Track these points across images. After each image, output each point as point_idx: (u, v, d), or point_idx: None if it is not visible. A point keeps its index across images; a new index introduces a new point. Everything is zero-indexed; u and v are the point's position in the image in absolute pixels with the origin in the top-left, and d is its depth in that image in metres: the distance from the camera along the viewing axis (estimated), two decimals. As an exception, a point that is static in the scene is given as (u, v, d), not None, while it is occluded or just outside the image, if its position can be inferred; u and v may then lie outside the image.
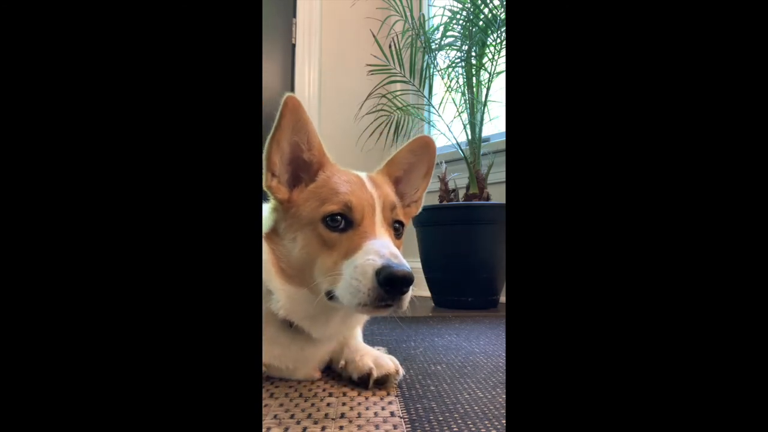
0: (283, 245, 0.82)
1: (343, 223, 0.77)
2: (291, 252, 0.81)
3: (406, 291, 0.70)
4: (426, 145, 0.96)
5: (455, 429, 0.69)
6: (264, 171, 0.82)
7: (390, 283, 0.67)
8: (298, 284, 0.81)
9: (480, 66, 2.28)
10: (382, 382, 0.88)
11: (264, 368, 0.90)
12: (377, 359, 0.90)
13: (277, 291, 0.81)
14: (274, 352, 0.88)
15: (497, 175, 2.42)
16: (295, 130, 0.82)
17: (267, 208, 0.88)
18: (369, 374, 0.87)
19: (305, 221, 0.80)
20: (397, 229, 0.85)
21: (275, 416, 0.73)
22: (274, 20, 3.02)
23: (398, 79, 2.44)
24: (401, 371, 0.90)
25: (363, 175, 0.88)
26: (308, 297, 0.81)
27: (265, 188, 0.82)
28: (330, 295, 0.76)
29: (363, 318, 0.96)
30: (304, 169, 0.85)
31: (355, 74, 2.92)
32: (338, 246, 0.76)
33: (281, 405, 0.78)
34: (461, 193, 2.31)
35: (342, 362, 0.93)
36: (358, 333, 1.02)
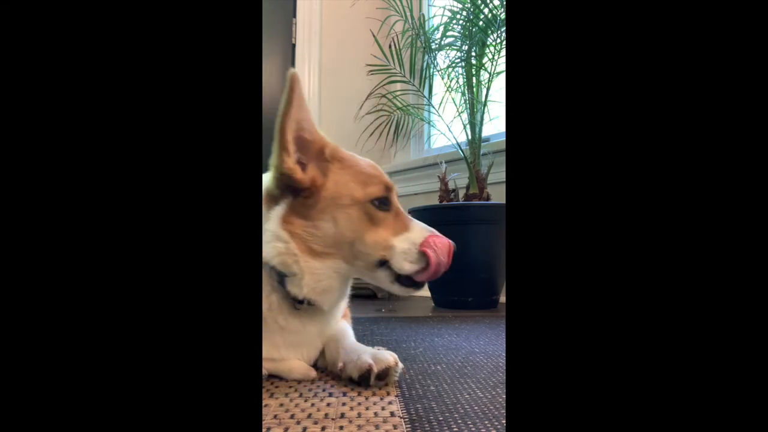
0: (315, 226, 0.86)
1: (384, 202, 0.88)
2: (327, 231, 0.86)
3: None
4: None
5: (455, 429, 0.69)
6: (277, 152, 0.83)
7: None
8: (328, 258, 0.87)
9: (480, 66, 2.28)
10: (383, 377, 0.88)
11: (264, 371, 0.90)
12: (375, 355, 0.91)
13: (303, 271, 0.85)
14: (276, 339, 0.91)
15: (497, 175, 2.42)
16: (300, 107, 0.82)
17: (268, 200, 0.89)
18: (369, 370, 0.87)
19: (347, 202, 0.86)
20: None
21: (275, 416, 0.73)
22: (274, 20, 3.02)
23: (398, 79, 2.44)
24: (400, 364, 0.91)
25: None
26: (332, 268, 0.88)
27: (284, 170, 0.83)
28: (381, 264, 0.88)
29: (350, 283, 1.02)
30: (304, 148, 0.86)
31: (355, 74, 2.92)
32: (384, 223, 0.88)
33: (281, 405, 0.78)
34: (461, 193, 2.31)
35: (340, 364, 0.93)
36: (351, 335, 1.02)
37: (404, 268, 0.86)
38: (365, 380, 0.88)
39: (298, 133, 0.84)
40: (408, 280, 0.89)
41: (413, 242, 0.87)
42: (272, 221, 0.85)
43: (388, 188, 0.89)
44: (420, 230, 0.89)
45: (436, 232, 0.89)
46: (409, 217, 0.92)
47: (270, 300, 0.89)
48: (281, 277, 0.87)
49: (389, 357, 0.90)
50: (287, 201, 0.86)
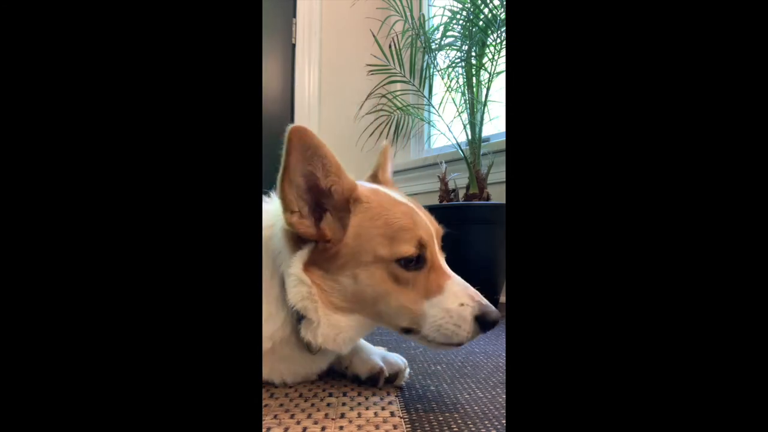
0: (335, 281, 0.77)
1: (415, 261, 0.76)
2: (347, 288, 0.77)
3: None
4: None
5: (455, 429, 0.69)
6: (282, 209, 0.76)
7: (488, 326, 0.75)
8: (350, 313, 0.79)
9: (480, 66, 2.28)
10: (392, 380, 0.88)
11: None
12: (385, 357, 0.91)
13: (321, 321, 0.77)
14: (280, 367, 0.87)
15: (497, 175, 2.41)
16: (307, 160, 0.74)
17: (284, 239, 0.80)
18: (380, 372, 0.87)
19: (369, 259, 0.75)
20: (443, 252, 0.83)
21: (275, 416, 0.73)
22: (274, 20, 3.01)
23: (398, 79, 2.44)
24: (408, 369, 0.91)
25: (408, 200, 0.83)
26: (354, 324, 0.79)
27: (287, 225, 0.76)
28: (408, 331, 0.77)
29: None
30: (325, 196, 0.78)
31: (355, 74, 2.91)
32: (414, 284, 0.76)
33: (281, 405, 0.78)
34: (461, 193, 2.30)
35: (347, 362, 0.93)
36: None
37: (437, 339, 0.76)
38: (374, 382, 0.88)
39: (310, 184, 0.76)
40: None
41: (446, 309, 0.75)
42: (294, 265, 0.77)
43: (422, 244, 0.76)
44: (454, 294, 0.76)
45: (474, 291, 0.77)
46: (447, 270, 0.79)
47: (284, 333, 0.82)
48: (300, 318, 0.79)
49: (399, 361, 0.90)
50: (310, 246, 0.78)
